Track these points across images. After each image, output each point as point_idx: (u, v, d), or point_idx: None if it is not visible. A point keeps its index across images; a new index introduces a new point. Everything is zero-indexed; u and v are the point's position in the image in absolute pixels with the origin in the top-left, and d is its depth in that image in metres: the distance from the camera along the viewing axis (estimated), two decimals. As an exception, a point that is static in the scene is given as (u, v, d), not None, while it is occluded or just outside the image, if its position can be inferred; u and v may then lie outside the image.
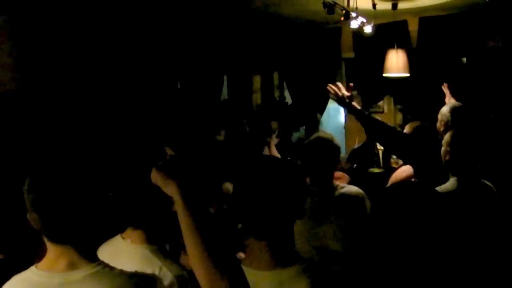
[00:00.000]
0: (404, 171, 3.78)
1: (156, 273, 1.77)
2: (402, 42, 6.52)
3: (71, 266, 1.53)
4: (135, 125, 5.82)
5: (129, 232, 2.01)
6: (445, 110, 3.78)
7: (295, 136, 8.64)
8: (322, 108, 7.78)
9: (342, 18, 5.37)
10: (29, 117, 4.92)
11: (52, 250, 1.56)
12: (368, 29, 5.82)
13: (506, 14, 6.04)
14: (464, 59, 6.82)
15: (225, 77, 7.95)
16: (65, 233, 1.53)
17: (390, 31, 6.62)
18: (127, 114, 5.91)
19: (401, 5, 5.94)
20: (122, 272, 1.57)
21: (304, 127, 8.33)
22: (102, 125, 5.57)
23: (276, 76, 8.76)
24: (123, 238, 2.01)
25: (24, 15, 5.01)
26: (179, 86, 7.38)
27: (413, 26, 6.81)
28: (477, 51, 6.45)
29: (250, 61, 7.98)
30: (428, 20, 6.69)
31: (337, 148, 3.06)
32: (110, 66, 5.91)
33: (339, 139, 8.29)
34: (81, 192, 1.52)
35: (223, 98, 8.09)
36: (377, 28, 6.01)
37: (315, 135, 3.19)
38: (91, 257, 1.57)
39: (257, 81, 8.40)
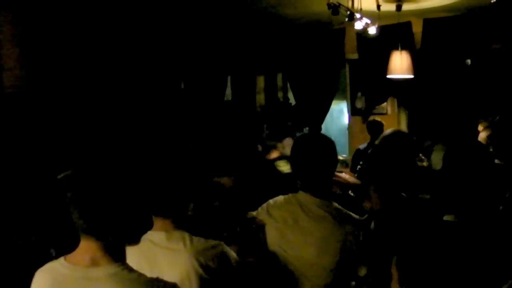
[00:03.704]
0: None
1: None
2: (406, 43, 6.51)
3: (94, 263, 1.57)
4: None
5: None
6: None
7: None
8: (325, 109, 7.77)
9: (346, 19, 5.36)
10: (35, 115, 4.95)
11: (81, 243, 1.61)
12: (372, 30, 5.82)
13: (510, 16, 6.03)
14: (469, 61, 6.81)
15: (229, 78, 7.96)
16: (95, 227, 1.57)
17: (394, 33, 6.60)
18: (132, 114, 5.94)
19: (405, 7, 5.94)
20: (140, 275, 1.60)
21: (307, 128, 8.33)
22: (108, 124, 5.60)
23: (279, 77, 8.77)
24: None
25: (30, 13, 5.03)
26: (183, 87, 7.40)
27: (417, 28, 6.79)
28: (481, 53, 6.44)
29: (253, 62, 7.98)
30: (432, 21, 6.67)
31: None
32: (115, 66, 5.93)
33: (343, 141, 8.30)
34: (114, 188, 1.57)
35: (226, 98, 8.10)
36: (381, 29, 6.01)
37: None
38: (115, 256, 1.59)
39: (260, 82, 8.41)
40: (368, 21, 5.68)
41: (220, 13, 6.29)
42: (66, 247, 1.65)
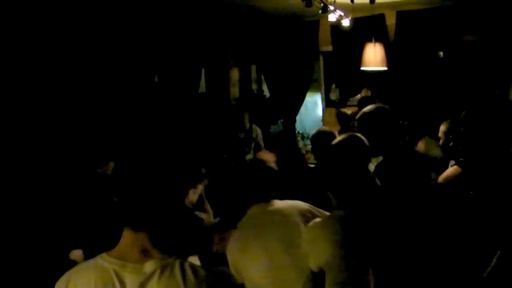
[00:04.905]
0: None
1: None
2: (379, 35, 6.54)
3: (144, 256, 1.55)
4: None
5: None
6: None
7: (273, 129, 8.67)
8: (299, 101, 7.78)
9: (320, 11, 5.35)
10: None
11: (127, 237, 1.57)
12: (346, 22, 5.82)
13: (482, 9, 6.10)
14: (441, 53, 6.87)
15: (203, 70, 7.91)
16: (143, 220, 1.56)
17: (368, 25, 6.63)
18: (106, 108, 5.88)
19: (378, -1, 5.96)
20: (193, 265, 1.58)
21: (281, 120, 8.33)
22: (81, 117, 5.54)
23: (254, 69, 8.74)
24: None
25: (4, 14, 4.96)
26: (156, 80, 7.34)
27: (390, 20, 6.83)
28: (453, 46, 6.50)
29: (228, 54, 7.94)
30: (406, 14, 6.72)
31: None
32: (87, 60, 5.85)
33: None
34: (161, 180, 1.56)
35: (201, 91, 8.06)
36: (355, 21, 6.01)
37: None
38: (164, 248, 1.57)
39: (235, 74, 8.37)
40: (342, 13, 5.67)
41: (193, 5, 6.23)
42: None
